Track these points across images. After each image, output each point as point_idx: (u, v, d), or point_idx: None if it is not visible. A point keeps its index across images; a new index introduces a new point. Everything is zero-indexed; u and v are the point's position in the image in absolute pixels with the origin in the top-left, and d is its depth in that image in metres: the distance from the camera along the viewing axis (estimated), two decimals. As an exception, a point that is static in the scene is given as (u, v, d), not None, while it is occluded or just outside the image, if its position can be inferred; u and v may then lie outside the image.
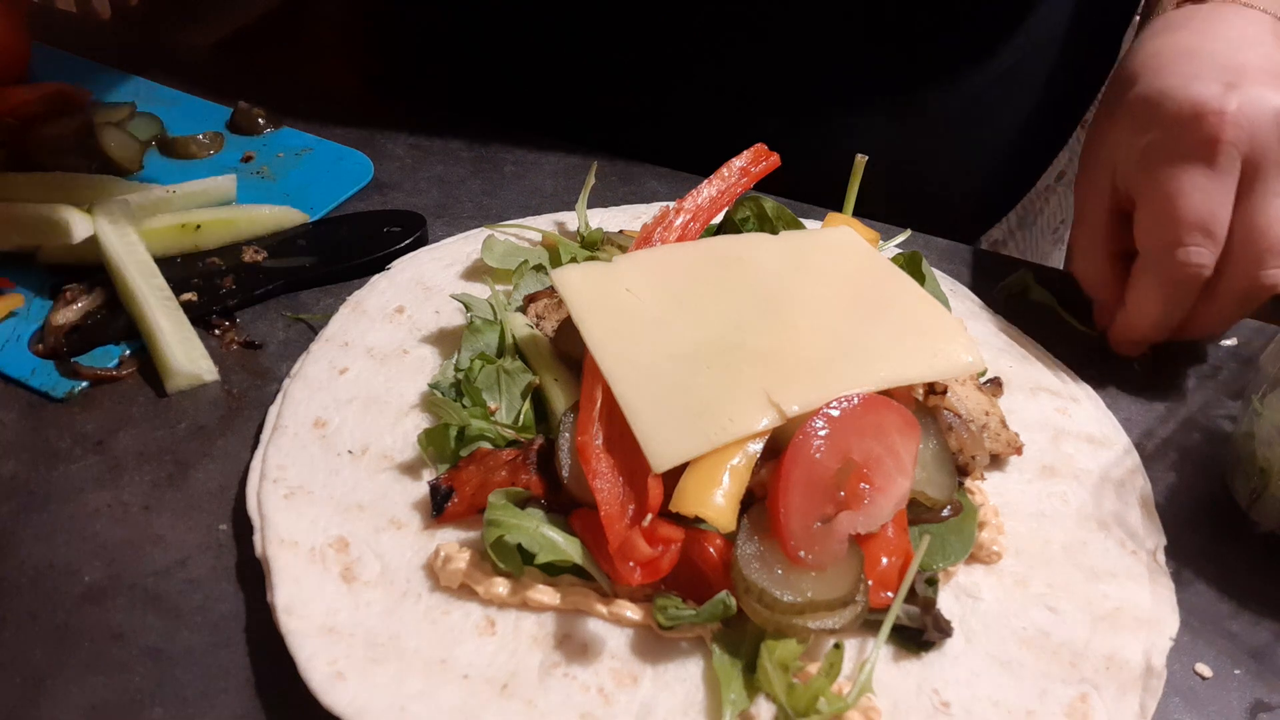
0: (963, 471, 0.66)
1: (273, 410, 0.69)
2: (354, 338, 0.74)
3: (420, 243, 0.85)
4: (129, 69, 1.05)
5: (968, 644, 0.58)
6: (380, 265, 0.82)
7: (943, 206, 1.01)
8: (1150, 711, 0.55)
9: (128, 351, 0.75)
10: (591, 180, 0.86)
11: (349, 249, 0.84)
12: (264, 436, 0.67)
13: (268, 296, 0.81)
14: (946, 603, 0.59)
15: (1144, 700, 0.56)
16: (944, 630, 0.57)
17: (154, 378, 0.73)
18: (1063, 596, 0.61)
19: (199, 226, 0.82)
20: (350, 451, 0.66)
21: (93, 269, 0.78)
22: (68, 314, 0.75)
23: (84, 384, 0.72)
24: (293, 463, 0.65)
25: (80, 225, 0.78)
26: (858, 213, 0.82)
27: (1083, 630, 0.59)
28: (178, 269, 0.80)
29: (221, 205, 0.87)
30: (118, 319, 0.76)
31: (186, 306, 0.76)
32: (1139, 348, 0.78)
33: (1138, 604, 0.60)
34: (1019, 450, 0.68)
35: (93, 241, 0.77)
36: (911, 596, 0.58)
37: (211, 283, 0.80)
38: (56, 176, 0.85)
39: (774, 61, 0.97)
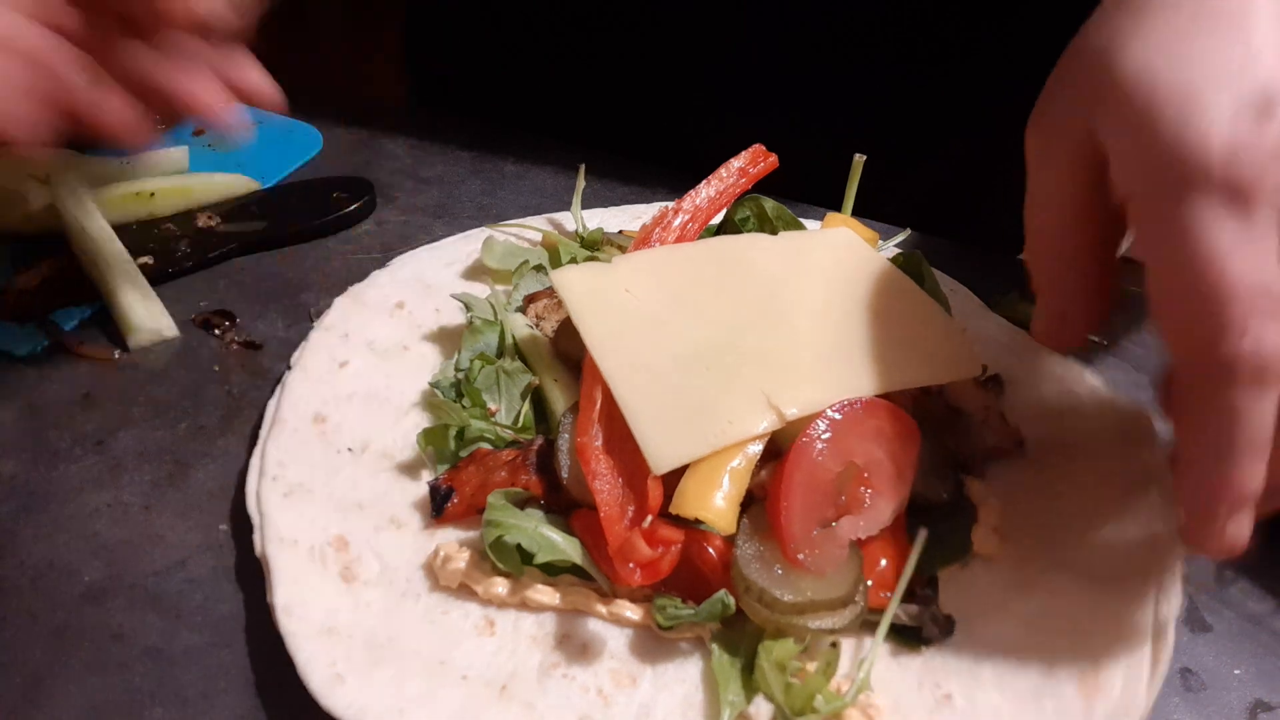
0: (962, 469, 0.65)
1: (272, 403, 0.69)
2: (354, 330, 0.74)
3: (368, 207, 0.90)
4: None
5: (969, 635, 0.58)
6: (331, 229, 0.86)
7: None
8: (1163, 672, 0.55)
9: (90, 313, 0.78)
10: (581, 183, 0.86)
11: (300, 214, 0.88)
12: (263, 430, 0.67)
13: (222, 260, 0.84)
14: (946, 595, 0.59)
15: (1156, 659, 0.55)
16: (944, 628, 0.57)
17: (153, 378, 0.73)
18: (1065, 579, 0.60)
19: (153, 194, 0.85)
20: (350, 449, 0.66)
21: (52, 236, 0.80)
22: (29, 279, 0.78)
23: (45, 342, 0.75)
24: (292, 460, 0.65)
25: (37, 194, 0.81)
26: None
27: (1086, 605, 0.58)
28: (134, 235, 0.83)
29: (174, 175, 0.90)
30: (78, 282, 0.78)
31: (143, 269, 0.79)
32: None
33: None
34: (1020, 446, 0.68)
35: (50, 210, 0.80)
36: (910, 595, 0.57)
37: (167, 247, 0.83)
38: (11, 151, 0.86)
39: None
